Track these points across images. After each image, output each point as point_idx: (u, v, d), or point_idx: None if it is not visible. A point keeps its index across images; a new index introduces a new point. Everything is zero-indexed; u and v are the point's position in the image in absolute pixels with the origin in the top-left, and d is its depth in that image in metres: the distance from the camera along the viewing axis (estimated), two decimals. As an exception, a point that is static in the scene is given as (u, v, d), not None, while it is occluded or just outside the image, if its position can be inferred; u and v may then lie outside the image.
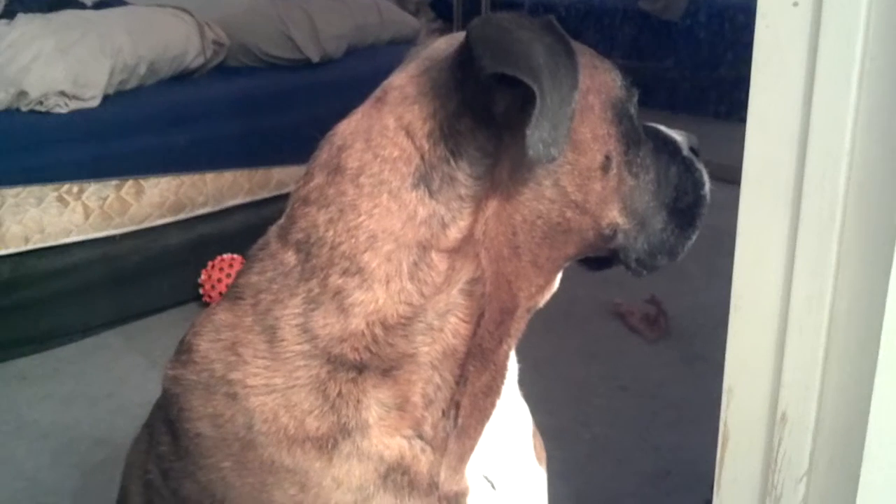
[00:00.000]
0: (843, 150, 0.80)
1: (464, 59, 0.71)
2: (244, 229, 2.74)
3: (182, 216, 2.68)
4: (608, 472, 1.91)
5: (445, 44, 0.79)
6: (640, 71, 4.86)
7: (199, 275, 2.71)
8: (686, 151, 0.88)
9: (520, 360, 0.89)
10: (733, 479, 0.98)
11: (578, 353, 2.44)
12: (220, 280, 2.64)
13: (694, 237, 0.87)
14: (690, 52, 4.82)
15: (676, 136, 0.88)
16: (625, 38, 5.08)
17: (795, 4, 0.79)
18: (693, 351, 2.41)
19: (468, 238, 0.73)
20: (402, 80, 0.77)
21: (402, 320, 0.72)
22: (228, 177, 2.78)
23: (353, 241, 0.72)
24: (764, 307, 0.90)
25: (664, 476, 1.89)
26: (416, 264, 0.72)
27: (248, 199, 2.83)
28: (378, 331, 0.72)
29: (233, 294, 0.78)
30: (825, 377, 0.87)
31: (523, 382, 0.93)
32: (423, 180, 0.72)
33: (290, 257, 0.75)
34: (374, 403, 0.73)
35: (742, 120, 0.85)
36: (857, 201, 0.80)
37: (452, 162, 0.72)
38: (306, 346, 0.73)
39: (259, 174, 2.85)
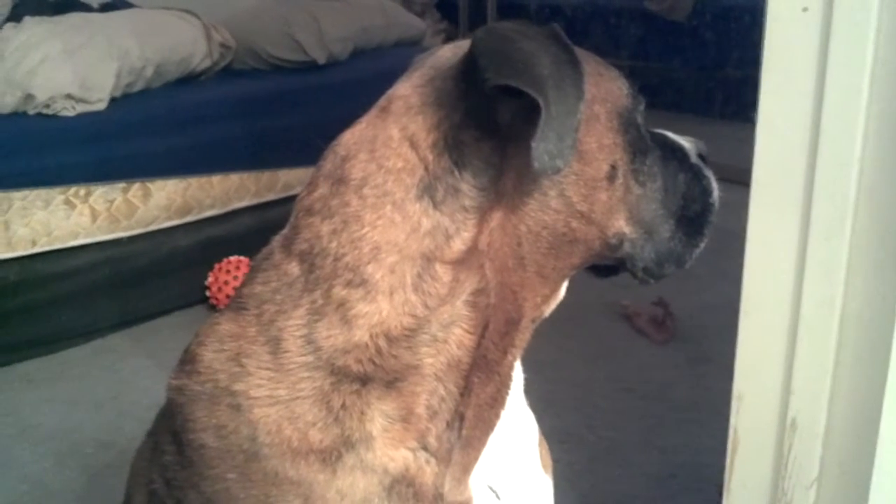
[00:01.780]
0: (853, 155, 0.79)
1: (468, 70, 0.70)
2: (251, 231, 2.74)
3: (189, 218, 2.68)
4: (614, 474, 1.90)
5: (450, 52, 0.79)
6: (647, 72, 4.86)
7: (206, 277, 2.71)
8: (694, 158, 0.87)
9: (525, 363, 0.89)
10: (743, 486, 0.98)
11: (584, 355, 2.43)
12: (227, 282, 2.64)
13: (702, 245, 0.86)
14: (697, 53, 4.80)
15: (684, 142, 0.87)
16: (631, 39, 5.07)
17: (805, 9, 0.78)
18: (700, 352, 2.39)
19: (472, 249, 0.72)
20: (406, 90, 0.76)
21: (406, 332, 0.72)
22: (235, 179, 2.78)
23: (356, 252, 0.72)
24: (774, 313, 0.89)
25: (670, 478, 1.88)
26: (420, 276, 0.71)
27: (254, 201, 2.83)
28: (382, 342, 0.72)
29: (237, 304, 0.78)
30: (835, 383, 0.86)
31: (529, 387, 0.92)
32: (427, 191, 0.71)
33: (294, 268, 0.75)
34: (378, 415, 0.73)
35: (749, 120, 0.84)
36: (867, 206, 0.80)
37: (457, 173, 0.71)
38: (310, 358, 0.72)
39: (266, 176, 2.85)
